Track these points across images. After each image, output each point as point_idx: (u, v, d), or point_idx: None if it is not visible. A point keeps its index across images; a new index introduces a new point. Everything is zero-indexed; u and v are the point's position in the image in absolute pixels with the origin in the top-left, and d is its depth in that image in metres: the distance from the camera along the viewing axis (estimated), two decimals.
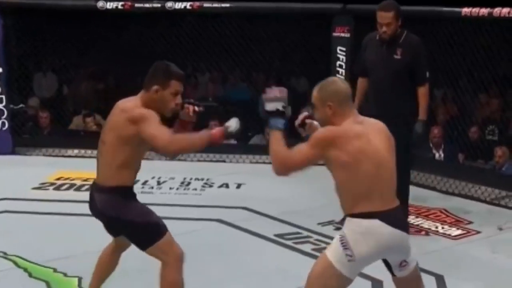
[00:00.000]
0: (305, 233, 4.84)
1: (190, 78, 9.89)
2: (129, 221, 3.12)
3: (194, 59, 9.04)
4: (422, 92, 4.55)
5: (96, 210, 3.18)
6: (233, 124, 3.15)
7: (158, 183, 6.04)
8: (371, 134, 2.85)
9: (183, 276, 3.19)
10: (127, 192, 3.19)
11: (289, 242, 4.68)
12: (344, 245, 2.81)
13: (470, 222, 5.12)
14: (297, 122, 3.20)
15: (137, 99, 3.14)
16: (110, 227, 3.24)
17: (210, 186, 6.06)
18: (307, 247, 4.58)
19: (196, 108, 3.26)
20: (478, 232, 4.94)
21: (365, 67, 4.75)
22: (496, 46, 6.24)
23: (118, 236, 3.28)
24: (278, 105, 2.92)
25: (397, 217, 2.86)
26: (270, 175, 5.44)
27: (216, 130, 3.10)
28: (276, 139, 2.88)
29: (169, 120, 3.18)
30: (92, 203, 3.20)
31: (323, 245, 4.55)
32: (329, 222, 5.02)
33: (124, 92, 3.29)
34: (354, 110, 2.92)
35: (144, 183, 5.95)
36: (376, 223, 2.79)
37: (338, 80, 3.02)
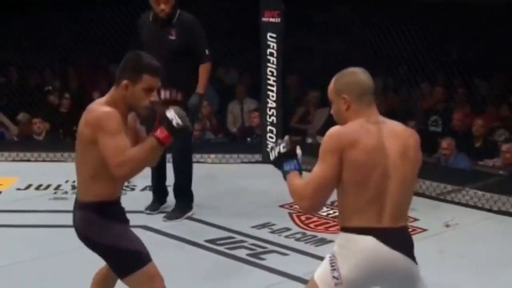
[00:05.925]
0: (239, 238, 4.84)
1: None
2: (103, 244, 2.83)
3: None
4: (203, 69, 4.88)
5: (76, 230, 2.92)
6: (171, 115, 2.78)
7: None
8: (385, 137, 2.54)
9: None
10: (105, 209, 2.86)
11: (221, 248, 4.68)
12: (333, 265, 2.51)
13: (415, 220, 5.07)
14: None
15: (103, 98, 2.89)
16: (91, 250, 2.95)
17: None
18: (241, 253, 4.58)
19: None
20: (424, 230, 4.96)
21: (142, 49, 4.74)
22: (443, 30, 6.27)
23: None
24: (279, 149, 2.67)
25: (398, 238, 2.52)
26: None
27: (159, 131, 2.78)
28: (292, 178, 2.59)
29: (149, 121, 2.91)
30: (73, 222, 2.94)
31: (259, 249, 4.60)
32: (264, 225, 5.02)
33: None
34: (373, 108, 2.60)
35: None
36: (369, 241, 2.47)
37: (358, 71, 2.64)
